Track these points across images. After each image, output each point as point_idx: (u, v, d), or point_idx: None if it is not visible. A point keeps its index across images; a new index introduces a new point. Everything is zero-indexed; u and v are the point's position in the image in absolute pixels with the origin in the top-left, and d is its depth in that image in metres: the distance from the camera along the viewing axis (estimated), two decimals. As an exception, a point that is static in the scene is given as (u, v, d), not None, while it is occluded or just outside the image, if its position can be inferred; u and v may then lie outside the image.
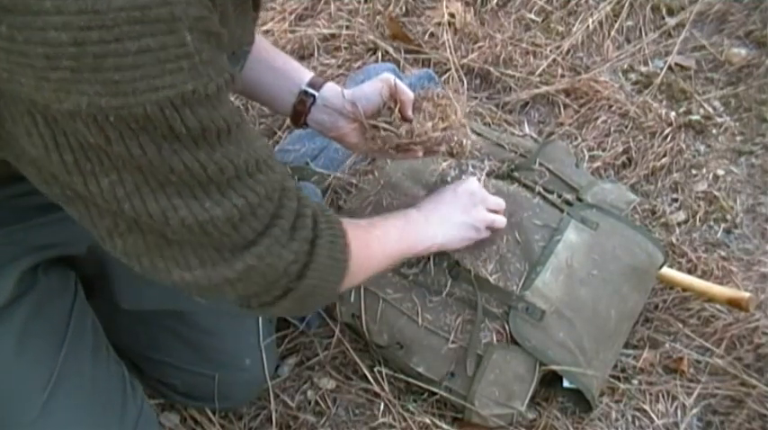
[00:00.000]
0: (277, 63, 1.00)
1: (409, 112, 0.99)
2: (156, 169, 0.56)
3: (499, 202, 1.08)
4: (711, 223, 1.37)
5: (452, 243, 1.03)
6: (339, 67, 1.64)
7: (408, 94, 0.98)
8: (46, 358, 0.80)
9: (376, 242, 0.88)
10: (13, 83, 0.51)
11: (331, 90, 0.99)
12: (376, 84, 0.98)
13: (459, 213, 1.03)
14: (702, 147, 1.50)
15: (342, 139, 1.02)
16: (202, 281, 0.64)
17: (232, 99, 0.62)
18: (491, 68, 1.61)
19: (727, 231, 1.36)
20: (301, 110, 1.00)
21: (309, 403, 1.14)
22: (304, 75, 1.01)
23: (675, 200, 1.41)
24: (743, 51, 1.66)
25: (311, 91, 0.99)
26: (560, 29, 1.71)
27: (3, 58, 0.50)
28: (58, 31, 0.49)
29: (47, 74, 0.50)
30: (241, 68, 0.84)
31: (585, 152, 1.47)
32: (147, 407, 0.91)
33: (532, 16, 1.74)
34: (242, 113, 0.63)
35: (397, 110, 0.98)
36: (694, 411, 1.11)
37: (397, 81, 0.98)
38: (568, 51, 1.66)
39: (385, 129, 0.98)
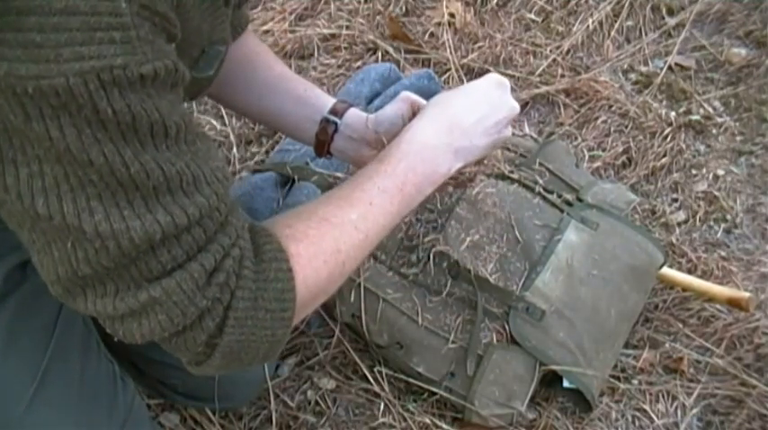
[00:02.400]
0: (298, 91, 0.96)
1: None
2: (76, 161, 0.51)
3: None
4: (711, 223, 1.37)
5: (475, 158, 0.85)
6: (339, 66, 1.64)
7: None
8: (33, 355, 0.79)
9: (350, 237, 0.70)
10: None
11: (353, 116, 0.94)
12: (397, 105, 0.92)
13: (486, 122, 0.82)
14: (702, 147, 1.50)
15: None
16: (109, 310, 0.57)
17: (183, 106, 0.57)
18: (491, 68, 1.61)
19: (727, 231, 1.36)
20: (324, 139, 0.94)
21: (309, 403, 1.14)
22: (326, 102, 0.95)
23: (675, 200, 1.41)
24: (743, 51, 1.66)
25: (333, 118, 0.94)
26: (560, 29, 1.71)
27: None
28: None
29: None
30: (216, 72, 0.78)
31: (585, 152, 1.47)
32: (138, 405, 0.90)
33: (532, 16, 1.74)
34: (193, 120, 0.58)
35: None
36: (694, 411, 1.11)
37: (418, 98, 0.92)
38: (568, 51, 1.66)
39: None
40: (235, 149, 1.47)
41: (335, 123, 0.94)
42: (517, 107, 0.87)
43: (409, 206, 0.76)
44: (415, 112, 0.91)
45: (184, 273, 0.57)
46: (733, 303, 1.15)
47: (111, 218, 0.54)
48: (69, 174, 0.53)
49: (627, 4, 1.73)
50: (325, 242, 0.68)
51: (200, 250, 0.58)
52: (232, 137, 1.49)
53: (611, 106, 1.54)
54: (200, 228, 0.58)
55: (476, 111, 0.82)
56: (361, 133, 0.93)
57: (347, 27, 1.71)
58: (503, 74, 1.60)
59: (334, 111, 0.95)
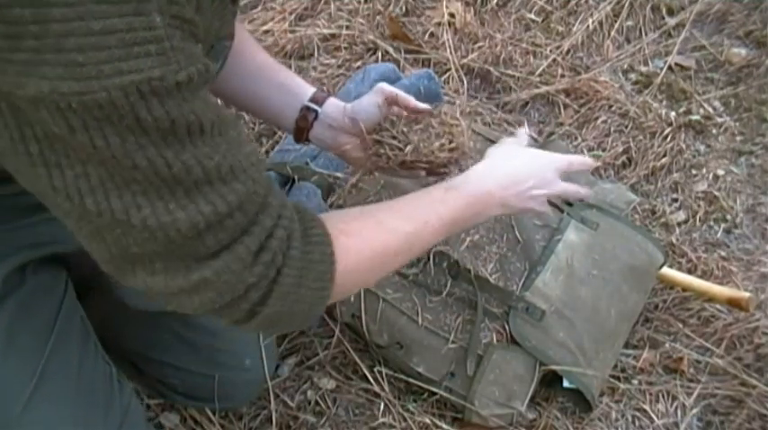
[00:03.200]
0: (280, 78, 0.99)
1: (414, 103, 0.96)
2: (120, 165, 0.54)
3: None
4: (711, 223, 1.37)
5: (509, 213, 0.95)
6: (339, 67, 1.64)
7: (406, 95, 0.96)
8: (31, 355, 0.79)
9: (399, 245, 0.77)
10: None
11: (333, 105, 0.98)
12: (372, 96, 0.96)
13: (533, 194, 0.89)
14: (702, 147, 1.50)
15: (344, 155, 1.00)
16: (160, 286, 0.62)
17: (211, 96, 0.60)
18: (491, 68, 1.62)
19: (727, 231, 1.36)
20: (303, 125, 0.98)
21: (309, 403, 1.14)
22: (307, 90, 0.99)
23: (675, 200, 1.41)
24: (743, 51, 1.66)
25: (313, 106, 0.97)
26: (560, 29, 1.71)
27: None
28: (20, 8, 0.48)
29: (9, 56, 0.49)
30: (221, 66, 0.81)
31: (585, 152, 1.47)
32: (134, 408, 0.90)
33: (532, 16, 1.74)
34: (226, 113, 0.61)
35: (401, 124, 0.96)
36: (694, 411, 1.11)
37: (391, 87, 0.96)
38: (568, 51, 1.66)
39: (389, 145, 0.95)
40: (235, 149, 1.47)
41: (316, 111, 0.97)
42: (561, 190, 0.93)
43: (450, 234, 0.84)
44: (390, 102, 0.95)
45: (231, 254, 0.61)
46: (733, 303, 1.15)
47: (156, 212, 0.57)
48: (114, 175, 0.55)
49: (627, 4, 1.73)
50: (376, 242, 0.74)
51: (244, 232, 0.62)
52: (232, 137, 1.49)
53: (611, 106, 1.54)
54: (241, 212, 0.61)
55: (532, 179, 0.89)
56: (339, 122, 0.97)
57: (347, 27, 1.71)
58: (503, 74, 1.60)
59: (314, 100, 0.98)
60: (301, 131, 0.99)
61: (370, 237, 0.74)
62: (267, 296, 0.64)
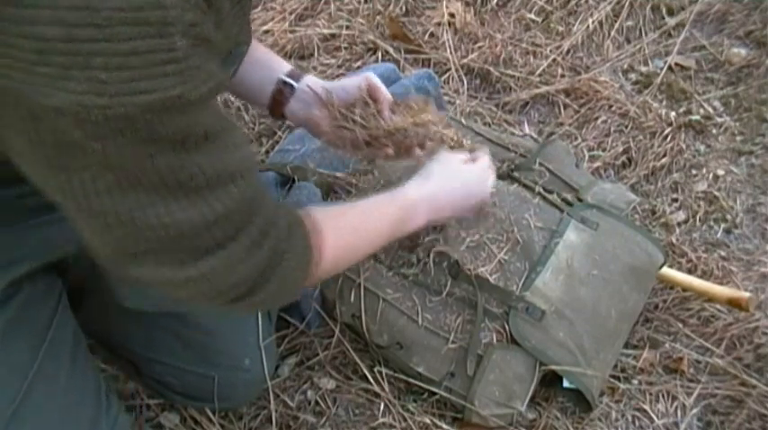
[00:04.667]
0: (257, 54, 1.01)
1: (386, 112, 1.01)
2: (128, 170, 0.57)
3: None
4: (711, 223, 1.37)
5: (443, 219, 1.05)
6: (339, 67, 1.64)
7: (387, 95, 1.01)
8: (18, 371, 0.79)
9: (360, 236, 0.88)
10: (2, 77, 0.52)
11: (309, 80, 1.02)
12: (356, 78, 1.01)
13: (462, 200, 1.02)
14: (702, 147, 1.50)
15: (313, 128, 1.03)
16: (153, 278, 0.65)
17: (216, 103, 0.63)
18: (491, 68, 1.62)
19: (727, 231, 1.36)
20: (280, 99, 1.01)
21: (309, 403, 1.14)
22: (283, 66, 1.03)
23: (675, 200, 1.41)
24: (743, 51, 1.66)
25: (290, 81, 1.01)
26: (560, 29, 1.71)
27: None
28: (50, 26, 0.49)
29: (37, 68, 0.51)
30: (236, 70, 0.84)
31: (585, 152, 1.47)
32: (122, 422, 0.90)
33: (532, 16, 1.74)
34: (227, 120, 0.64)
35: (373, 108, 1.00)
36: (694, 411, 1.11)
37: (379, 82, 1.00)
38: (568, 51, 1.66)
39: (354, 121, 0.99)
40: (235, 149, 1.47)
41: (292, 85, 1.01)
42: (489, 193, 1.06)
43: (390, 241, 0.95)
44: (371, 90, 1.00)
45: (226, 251, 0.65)
46: (733, 303, 1.15)
47: (158, 213, 0.60)
48: (121, 179, 0.58)
49: (627, 4, 1.73)
50: (346, 241, 0.83)
51: (239, 231, 0.66)
52: (232, 137, 1.49)
53: (611, 106, 1.54)
54: (237, 213, 0.65)
55: (458, 192, 1.01)
56: (314, 97, 1.01)
57: (347, 27, 1.71)
58: (503, 74, 1.60)
59: (291, 75, 1.02)
60: (278, 105, 1.02)
61: (343, 236, 0.83)
62: (254, 289, 0.69)
